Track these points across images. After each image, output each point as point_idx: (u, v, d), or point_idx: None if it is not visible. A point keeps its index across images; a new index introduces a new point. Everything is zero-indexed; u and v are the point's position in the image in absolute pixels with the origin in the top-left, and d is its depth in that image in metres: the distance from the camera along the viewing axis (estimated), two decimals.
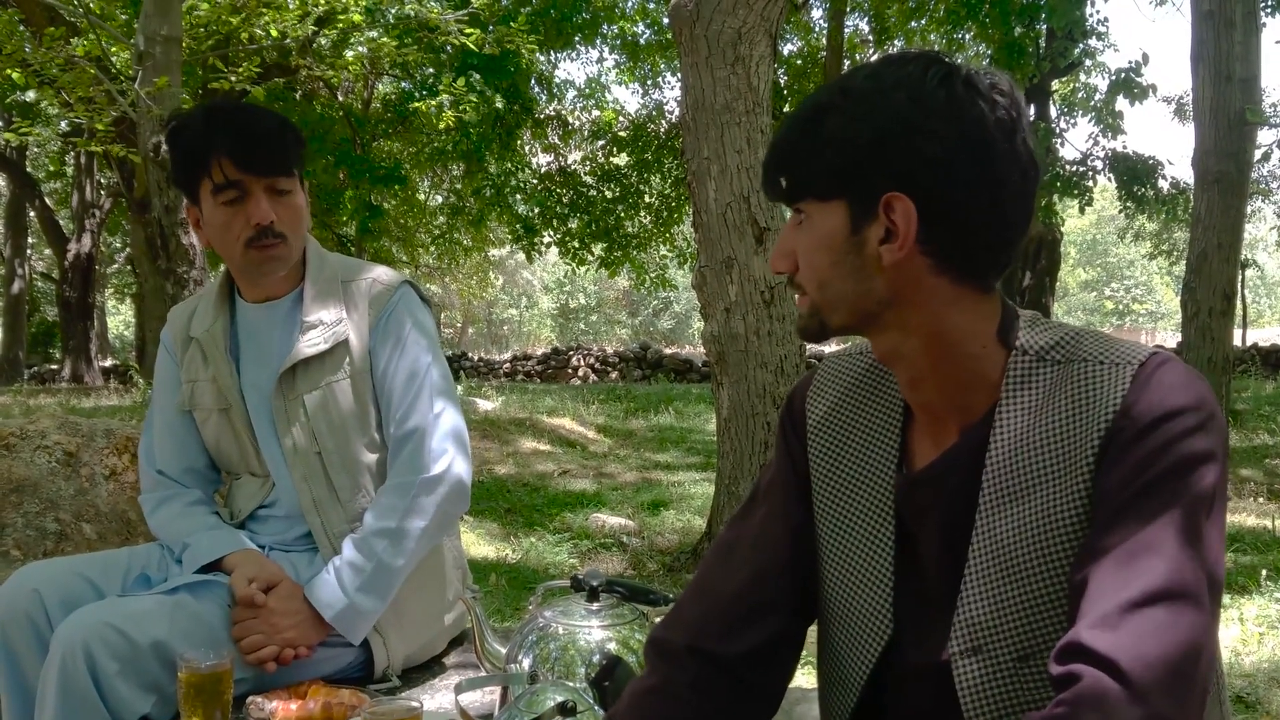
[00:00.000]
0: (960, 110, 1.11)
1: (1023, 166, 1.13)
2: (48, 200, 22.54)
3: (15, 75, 10.37)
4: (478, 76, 15.66)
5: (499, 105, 16.04)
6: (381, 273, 2.23)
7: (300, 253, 2.17)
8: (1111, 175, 16.99)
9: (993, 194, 1.12)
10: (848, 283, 1.17)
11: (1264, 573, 5.18)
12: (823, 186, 1.17)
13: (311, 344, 2.11)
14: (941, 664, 1.18)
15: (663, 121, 20.30)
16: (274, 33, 10.70)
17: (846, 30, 18.65)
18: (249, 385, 2.18)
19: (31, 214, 22.22)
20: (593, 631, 1.71)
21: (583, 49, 20.55)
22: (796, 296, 1.24)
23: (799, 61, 19.67)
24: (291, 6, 10.91)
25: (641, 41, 20.15)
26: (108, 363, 23.64)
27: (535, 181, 20.07)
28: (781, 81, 18.65)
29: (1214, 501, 1.06)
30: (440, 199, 22.26)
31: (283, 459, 2.15)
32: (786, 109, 17.35)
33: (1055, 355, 1.16)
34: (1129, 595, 1.01)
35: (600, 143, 20.56)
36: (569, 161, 20.85)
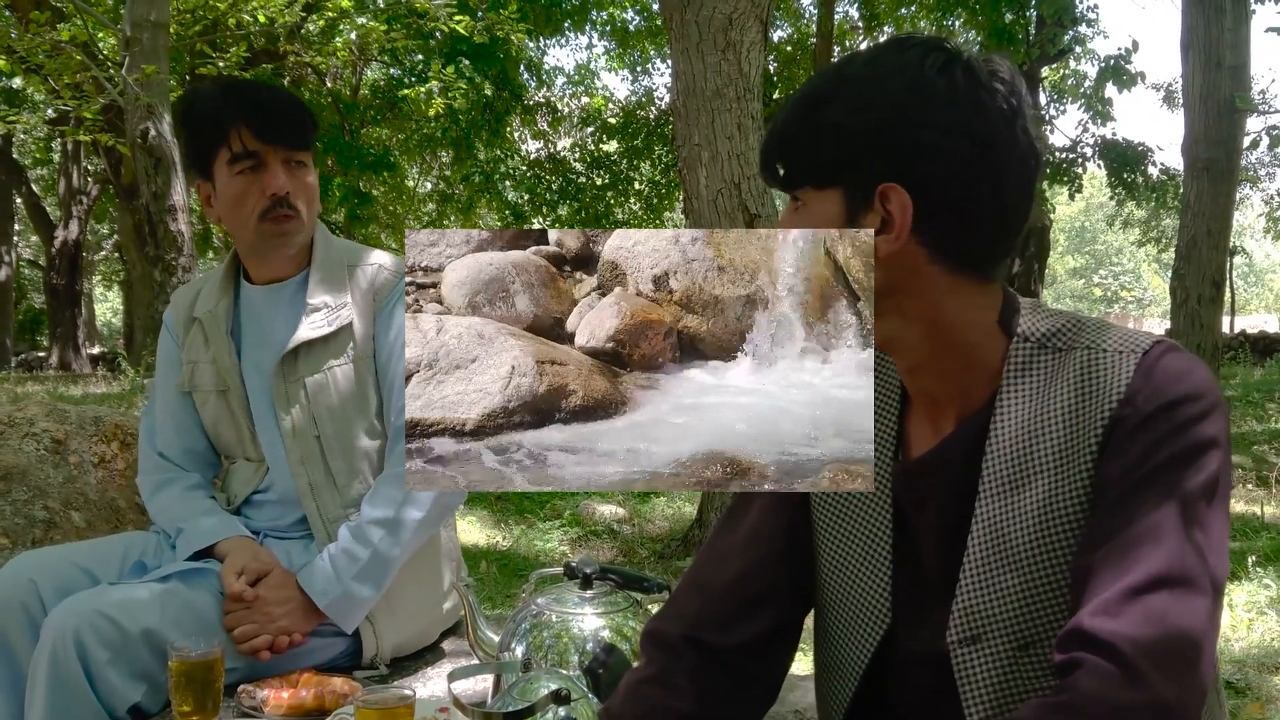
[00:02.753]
0: (959, 98, 1.09)
1: (1022, 155, 1.12)
2: (34, 187, 22.39)
3: (1, 62, 10.27)
4: (467, 63, 15.58)
5: (488, 92, 15.98)
6: (387, 259, 2.23)
7: (312, 232, 2.16)
8: (1101, 162, 17.03)
9: (992, 184, 1.11)
10: None
11: (1252, 559, 5.20)
12: (819, 174, 1.15)
13: (315, 326, 2.10)
14: (940, 653, 1.17)
15: (652, 108, 20.28)
16: (261, 18, 10.60)
17: (837, 17, 18.60)
18: (250, 367, 2.17)
19: (18, 201, 22.07)
20: (586, 619, 1.70)
21: (572, 35, 20.51)
22: None
23: (789, 48, 19.64)
24: None
25: (631, 28, 20.10)
26: (95, 350, 23.52)
27: (525, 168, 20.07)
28: (772, 68, 18.61)
29: (1217, 488, 1.05)
30: (429, 186, 22.20)
31: (280, 443, 2.14)
32: (777, 95, 17.33)
33: (1056, 342, 1.15)
34: (1130, 581, 1.00)
35: (590, 129, 20.54)
36: (558, 148, 20.81)
